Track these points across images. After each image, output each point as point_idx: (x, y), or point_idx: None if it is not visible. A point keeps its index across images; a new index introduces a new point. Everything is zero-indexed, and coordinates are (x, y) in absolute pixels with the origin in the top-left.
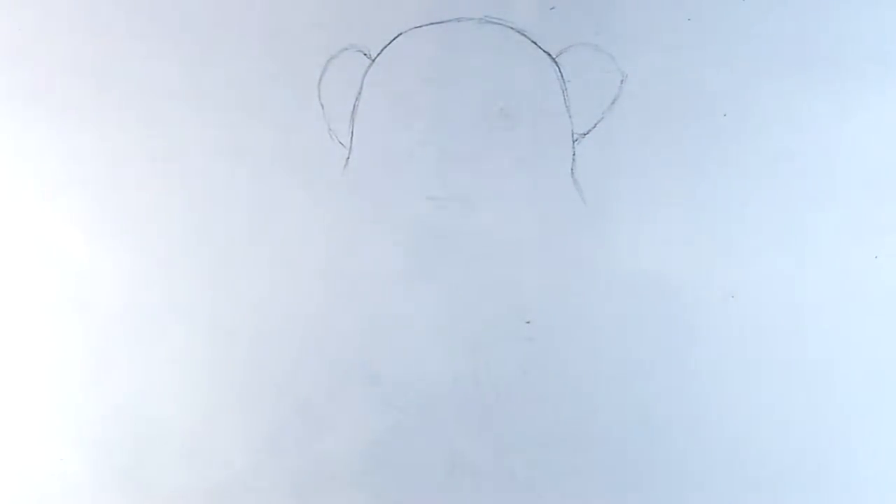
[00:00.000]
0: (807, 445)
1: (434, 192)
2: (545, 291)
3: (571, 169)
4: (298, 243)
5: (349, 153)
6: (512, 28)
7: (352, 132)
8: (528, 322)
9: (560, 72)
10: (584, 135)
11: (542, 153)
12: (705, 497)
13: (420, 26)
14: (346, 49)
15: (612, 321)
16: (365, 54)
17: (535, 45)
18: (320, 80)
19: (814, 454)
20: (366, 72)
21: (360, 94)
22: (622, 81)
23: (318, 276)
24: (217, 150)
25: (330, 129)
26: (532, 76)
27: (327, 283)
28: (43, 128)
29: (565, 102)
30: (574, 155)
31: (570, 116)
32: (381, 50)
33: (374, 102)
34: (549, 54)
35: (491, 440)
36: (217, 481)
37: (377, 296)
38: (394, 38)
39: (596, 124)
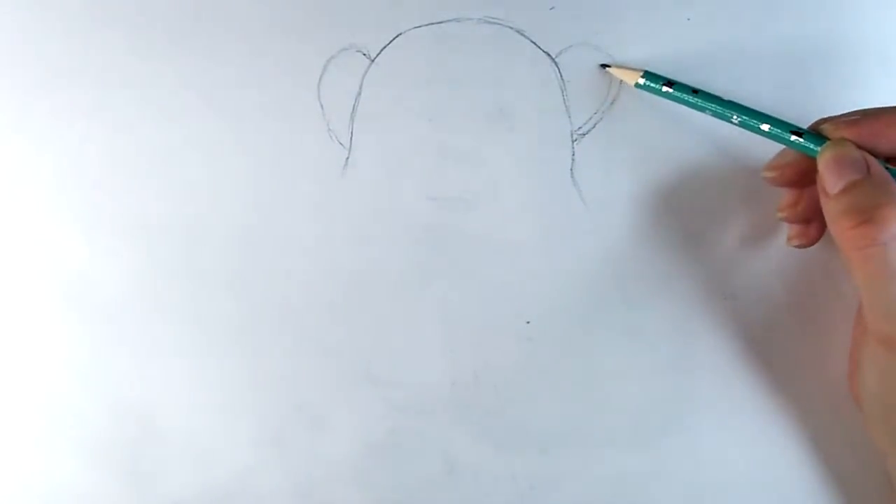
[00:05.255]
0: (817, 446)
1: (434, 192)
2: (545, 291)
3: (571, 169)
4: (298, 243)
5: (349, 153)
6: (511, 28)
7: (351, 132)
8: (528, 322)
9: (560, 72)
10: (584, 135)
11: (542, 153)
12: (707, 499)
13: (420, 26)
14: (346, 49)
15: (611, 322)
16: (364, 54)
17: (534, 45)
18: (320, 80)
19: (821, 454)
20: (365, 72)
21: (359, 94)
22: (622, 82)
23: (318, 275)
24: (216, 150)
25: (329, 129)
26: (532, 76)
27: (327, 283)
28: (43, 128)
29: (565, 102)
30: (573, 155)
31: (569, 116)
32: (381, 50)
33: (374, 102)
34: (549, 54)
35: (491, 440)
36: (217, 481)
37: (377, 296)
38: (394, 38)
39: (596, 124)
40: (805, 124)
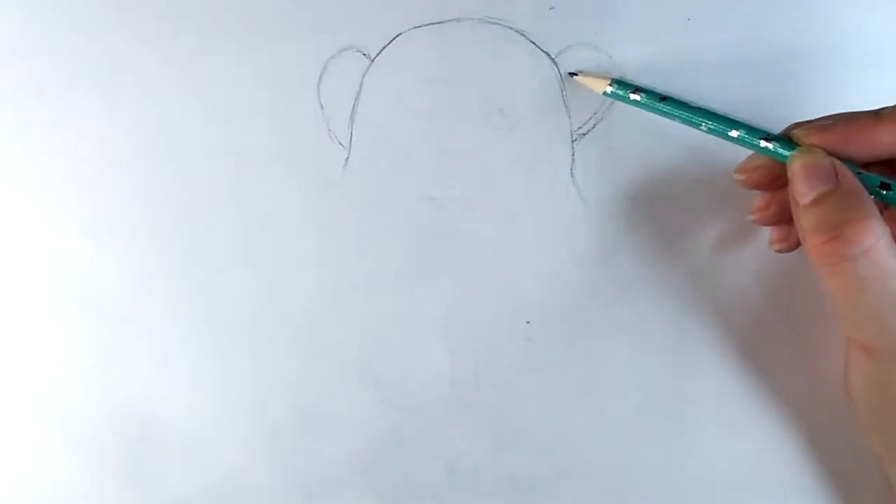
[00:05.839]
0: (817, 446)
1: (434, 192)
2: (545, 291)
3: (571, 169)
4: (297, 243)
5: (348, 153)
6: (511, 28)
7: (351, 132)
8: (528, 322)
9: (559, 72)
10: (584, 135)
11: (542, 153)
12: (706, 499)
13: (420, 26)
14: (346, 49)
15: (611, 322)
16: (364, 54)
17: (534, 45)
18: (319, 80)
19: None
20: (365, 72)
21: (359, 94)
22: None
23: (318, 276)
24: (216, 150)
25: (329, 130)
26: (532, 76)
27: (327, 283)
28: (43, 128)
29: (565, 102)
30: (573, 155)
31: (569, 116)
32: (381, 50)
33: (374, 102)
34: (549, 54)
35: (491, 440)
36: (217, 481)
37: (377, 296)
38: (393, 38)
39: (596, 124)
40: None
